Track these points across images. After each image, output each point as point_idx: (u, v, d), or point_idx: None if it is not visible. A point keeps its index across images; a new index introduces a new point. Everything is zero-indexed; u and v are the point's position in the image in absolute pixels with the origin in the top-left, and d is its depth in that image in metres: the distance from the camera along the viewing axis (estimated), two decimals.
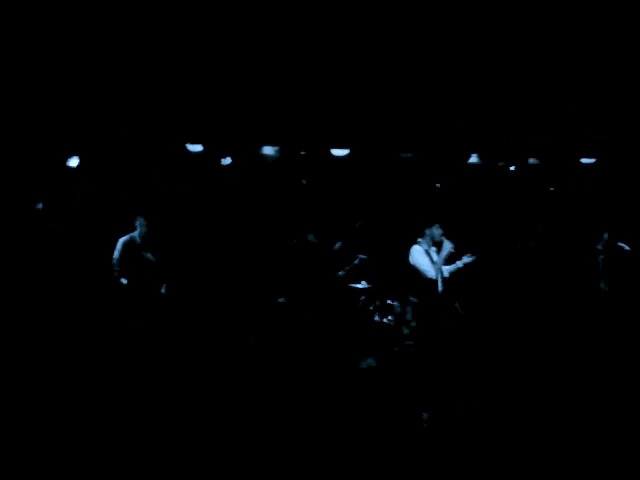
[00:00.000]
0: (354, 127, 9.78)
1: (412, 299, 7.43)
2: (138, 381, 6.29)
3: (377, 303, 8.40)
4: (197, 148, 9.89)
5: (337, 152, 10.10)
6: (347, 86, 9.03)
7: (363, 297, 8.45)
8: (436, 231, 6.91)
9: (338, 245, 8.78)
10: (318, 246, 8.44)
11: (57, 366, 6.63)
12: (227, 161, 10.05)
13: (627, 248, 8.58)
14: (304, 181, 10.46)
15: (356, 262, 8.55)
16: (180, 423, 5.28)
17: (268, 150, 10.17)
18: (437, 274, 6.86)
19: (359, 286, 8.52)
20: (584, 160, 10.33)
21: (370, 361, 7.28)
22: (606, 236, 8.69)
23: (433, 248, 7.01)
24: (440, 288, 6.89)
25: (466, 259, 7.05)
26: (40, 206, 9.49)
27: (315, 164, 10.29)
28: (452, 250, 6.92)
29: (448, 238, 6.91)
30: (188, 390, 6.12)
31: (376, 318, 8.30)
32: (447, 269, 7.00)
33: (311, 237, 8.41)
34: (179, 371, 6.68)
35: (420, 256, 6.90)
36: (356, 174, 10.34)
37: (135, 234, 7.79)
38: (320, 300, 8.29)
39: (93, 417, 5.31)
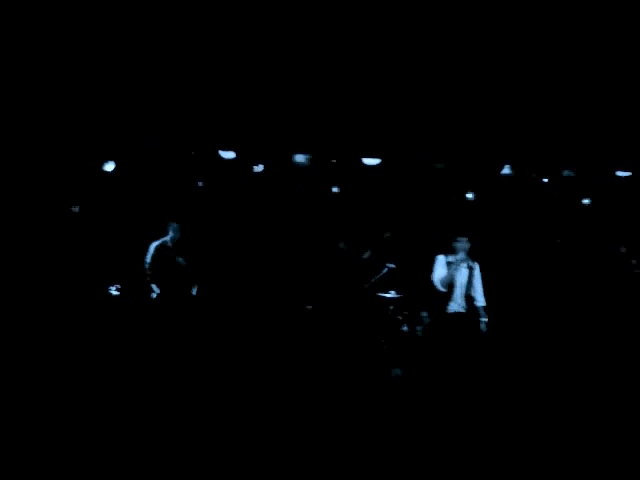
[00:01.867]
0: (386, 136, 9.79)
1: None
2: (165, 380, 6.38)
3: (406, 313, 8.37)
4: (230, 155, 10.00)
5: (369, 161, 10.11)
6: (381, 95, 9.05)
7: (392, 307, 8.43)
8: (459, 244, 6.83)
9: (367, 254, 8.78)
10: (348, 254, 8.46)
11: (84, 363, 6.77)
12: (259, 168, 10.14)
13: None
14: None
15: (384, 271, 8.53)
16: (204, 423, 5.33)
17: (300, 158, 10.23)
18: (444, 286, 6.76)
19: (388, 296, 8.51)
20: (620, 173, 10.18)
21: (397, 371, 7.26)
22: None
23: (460, 259, 6.86)
24: (456, 301, 6.80)
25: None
26: (76, 209, 9.70)
27: (346, 172, 10.32)
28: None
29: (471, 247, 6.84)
30: (212, 392, 6.19)
31: (404, 328, 8.28)
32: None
33: (341, 245, 8.44)
34: (207, 372, 6.76)
35: (437, 266, 6.86)
36: (387, 183, 10.33)
37: (167, 239, 7.91)
38: (349, 308, 8.31)
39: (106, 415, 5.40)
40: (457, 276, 6.77)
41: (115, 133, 9.45)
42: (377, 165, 10.10)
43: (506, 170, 10.31)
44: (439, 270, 6.79)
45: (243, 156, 10.12)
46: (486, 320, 6.75)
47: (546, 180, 10.20)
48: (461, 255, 6.72)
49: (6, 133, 8.85)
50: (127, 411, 5.57)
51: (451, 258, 6.83)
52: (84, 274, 8.76)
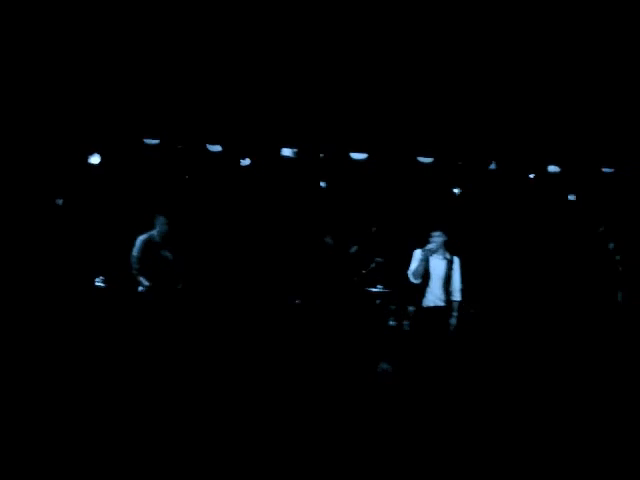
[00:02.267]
0: (374, 131, 9.78)
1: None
2: (153, 378, 6.34)
3: (392, 307, 8.40)
4: (217, 148, 9.95)
5: (356, 155, 10.10)
6: (367, 89, 9.03)
7: (379, 301, 8.46)
8: (433, 238, 6.82)
9: (354, 248, 8.78)
10: (334, 249, 8.45)
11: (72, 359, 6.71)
12: (246, 162, 10.09)
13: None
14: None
15: (372, 265, 8.55)
16: (193, 421, 5.31)
17: (287, 152, 10.19)
18: (416, 278, 6.75)
19: (375, 290, 8.53)
20: (605, 169, 10.23)
21: (385, 365, 7.28)
22: (612, 246, 8.63)
23: (439, 254, 6.86)
24: (433, 294, 6.78)
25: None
26: (60, 202, 9.59)
27: (334, 167, 10.29)
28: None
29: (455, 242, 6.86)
30: (200, 387, 6.16)
31: (391, 322, 8.31)
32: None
33: (328, 239, 8.42)
34: (193, 368, 6.73)
35: (413, 260, 6.87)
36: (374, 178, 10.32)
37: (154, 232, 7.87)
38: (336, 302, 8.30)
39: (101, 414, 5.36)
40: (432, 268, 6.77)
41: (101, 126, 9.36)
42: (365, 160, 10.09)
43: (492, 166, 10.33)
44: (414, 263, 6.82)
45: (230, 149, 10.06)
46: (456, 315, 6.75)
47: (532, 176, 10.24)
48: (432, 246, 6.72)
49: None
50: (116, 405, 5.53)
51: (425, 250, 6.82)
52: (69, 267, 8.68)
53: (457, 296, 6.84)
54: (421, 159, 10.22)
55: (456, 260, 6.88)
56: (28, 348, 6.98)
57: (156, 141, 9.69)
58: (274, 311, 8.37)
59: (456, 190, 10.45)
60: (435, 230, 6.84)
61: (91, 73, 8.48)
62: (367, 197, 10.33)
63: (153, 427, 5.13)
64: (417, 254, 6.83)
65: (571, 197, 10.42)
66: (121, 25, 7.86)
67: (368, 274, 8.52)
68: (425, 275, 6.74)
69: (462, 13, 7.44)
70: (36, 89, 8.60)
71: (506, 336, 8.25)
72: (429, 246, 6.74)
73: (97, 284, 8.48)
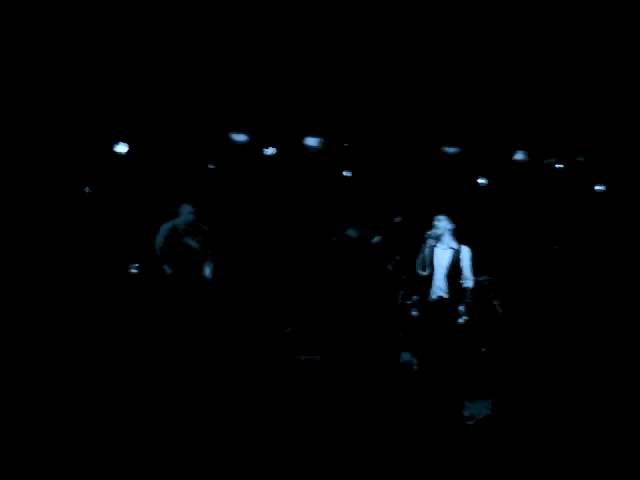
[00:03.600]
0: (398, 120, 9.73)
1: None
2: (177, 366, 6.42)
3: (415, 298, 8.36)
4: (241, 138, 9.99)
5: (379, 145, 10.07)
6: (393, 79, 8.98)
7: (402, 292, 8.42)
8: (436, 223, 6.63)
9: (377, 239, 8.75)
10: (357, 240, 8.43)
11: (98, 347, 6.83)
12: (270, 151, 10.11)
13: None
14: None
15: (397, 258, 8.50)
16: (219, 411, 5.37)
17: (312, 141, 10.19)
18: (421, 268, 6.62)
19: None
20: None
21: (407, 356, 7.26)
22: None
23: (443, 243, 6.71)
24: (436, 285, 6.64)
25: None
26: (88, 190, 9.74)
27: (358, 156, 10.27)
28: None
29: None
30: (225, 375, 6.22)
31: (413, 313, 8.27)
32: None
33: (351, 231, 8.41)
34: (218, 356, 6.80)
35: (421, 250, 6.76)
36: (399, 167, 10.27)
37: (178, 221, 7.92)
38: (359, 293, 8.31)
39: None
40: (436, 258, 6.64)
41: (128, 115, 9.46)
42: (388, 149, 10.06)
43: (519, 155, 10.20)
44: (420, 253, 6.71)
45: (255, 139, 10.10)
46: (469, 301, 6.59)
47: (561, 166, 10.10)
48: (431, 233, 6.56)
49: (19, 115, 8.88)
50: (140, 397, 5.62)
51: (432, 241, 6.69)
52: (95, 254, 8.81)
53: (468, 283, 6.68)
54: (447, 149, 10.15)
55: (464, 249, 6.65)
56: (54, 335, 7.11)
57: (182, 130, 9.76)
58: (297, 301, 8.40)
59: (482, 180, 10.37)
60: (439, 214, 6.65)
61: (118, 62, 8.56)
62: (391, 187, 10.29)
63: (171, 421, 5.20)
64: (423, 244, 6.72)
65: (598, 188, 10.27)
66: (145, 16, 7.91)
67: (394, 266, 8.48)
68: (430, 266, 6.58)
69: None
70: (64, 79, 8.71)
71: (522, 330, 8.18)
72: (432, 231, 6.56)
73: (132, 271, 8.50)
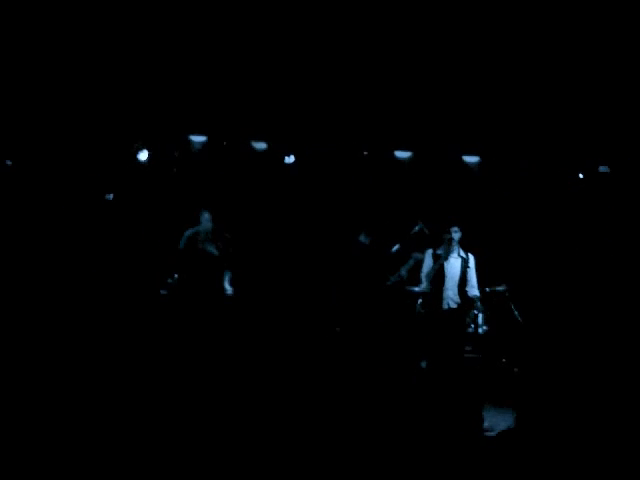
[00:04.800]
0: (418, 129, 9.74)
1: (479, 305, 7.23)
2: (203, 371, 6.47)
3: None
4: (261, 146, 10.05)
5: (400, 154, 10.08)
6: (413, 87, 9.01)
7: (420, 300, 8.41)
8: (448, 234, 6.64)
9: (396, 247, 8.75)
10: (370, 247, 8.41)
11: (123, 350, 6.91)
12: (290, 159, 10.16)
13: None
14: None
15: (411, 262, 8.46)
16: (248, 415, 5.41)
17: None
18: (429, 280, 6.59)
19: (416, 289, 8.48)
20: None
21: (422, 364, 7.26)
22: None
23: (454, 252, 6.68)
24: (447, 296, 6.60)
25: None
26: (110, 197, 9.85)
27: (378, 165, 10.28)
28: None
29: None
30: (247, 381, 6.26)
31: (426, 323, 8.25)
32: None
33: (362, 238, 8.41)
34: (238, 362, 6.84)
35: (425, 260, 6.73)
36: (418, 176, 10.27)
37: (200, 228, 8.00)
38: (377, 301, 8.31)
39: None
40: (447, 268, 6.61)
41: (149, 122, 9.57)
42: (408, 158, 10.06)
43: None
44: (427, 264, 6.69)
45: (274, 147, 10.16)
46: (477, 312, 6.58)
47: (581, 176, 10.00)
48: (446, 245, 6.55)
49: (41, 123, 9.03)
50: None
51: (440, 250, 6.67)
52: (120, 262, 8.89)
53: (474, 292, 6.67)
54: (466, 158, 10.12)
55: (471, 258, 6.69)
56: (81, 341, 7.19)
57: (203, 138, 9.85)
58: (313, 310, 8.41)
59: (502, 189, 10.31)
60: (451, 225, 6.64)
61: (139, 70, 8.68)
62: (410, 195, 10.28)
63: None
64: (429, 254, 6.71)
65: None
66: (168, 23, 8.03)
67: (409, 273, 8.47)
68: (440, 276, 6.56)
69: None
70: (86, 87, 8.84)
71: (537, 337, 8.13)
72: (444, 247, 6.56)
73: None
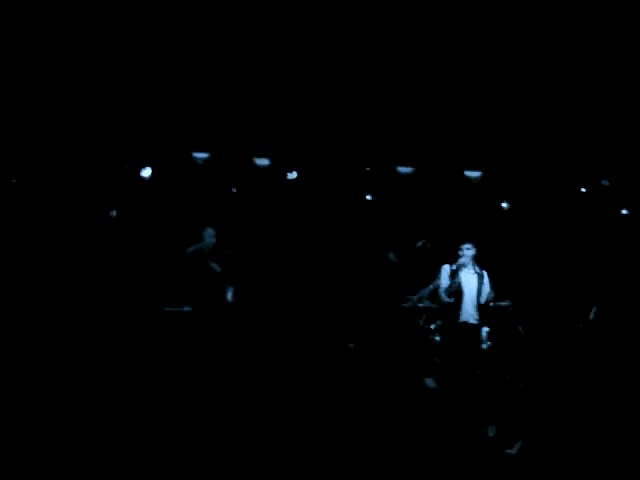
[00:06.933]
0: (420, 145, 9.77)
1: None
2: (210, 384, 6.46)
3: (438, 323, 8.32)
4: (264, 162, 10.08)
5: (403, 169, 10.11)
6: (415, 103, 9.04)
7: (424, 316, 8.40)
8: (463, 251, 6.67)
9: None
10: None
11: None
12: (293, 175, 10.18)
13: None
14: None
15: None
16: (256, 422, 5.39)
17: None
18: (448, 296, 6.62)
19: (421, 305, 8.47)
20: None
21: (429, 381, 7.23)
22: None
23: (469, 268, 6.74)
24: (466, 311, 6.65)
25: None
26: (114, 214, 9.87)
27: (380, 180, 10.31)
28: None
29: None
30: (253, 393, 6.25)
31: (436, 338, 8.24)
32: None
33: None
34: (242, 376, 6.83)
35: (442, 277, 6.76)
36: (420, 192, 10.29)
37: (203, 244, 8.00)
38: (382, 315, 8.30)
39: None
40: (464, 284, 6.65)
41: (151, 140, 9.61)
42: (410, 173, 10.09)
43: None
44: (444, 280, 6.70)
45: (277, 163, 10.19)
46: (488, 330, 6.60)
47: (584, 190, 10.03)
48: (463, 261, 6.58)
49: (43, 138, 9.07)
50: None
51: (455, 266, 6.70)
52: (120, 278, 8.89)
53: (483, 301, 6.73)
54: (468, 173, 10.15)
55: (485, 274, 6.74)
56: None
57: (205, 155, 9.88)
58: (323, 326, 8.39)
59: (504, 204, 10.33)
60: (465, 242, 6.70)
61: (141, 88, 8.72)
62: (413, 211, 10.30)
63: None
64: (445, 270, 6.73)
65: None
66: (169, 41, 8.08)
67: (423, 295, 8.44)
68: (458, 292, 6.59)
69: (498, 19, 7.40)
70: (89, 104, 8.87)
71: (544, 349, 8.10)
72: (461, 261, 6.60)
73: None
